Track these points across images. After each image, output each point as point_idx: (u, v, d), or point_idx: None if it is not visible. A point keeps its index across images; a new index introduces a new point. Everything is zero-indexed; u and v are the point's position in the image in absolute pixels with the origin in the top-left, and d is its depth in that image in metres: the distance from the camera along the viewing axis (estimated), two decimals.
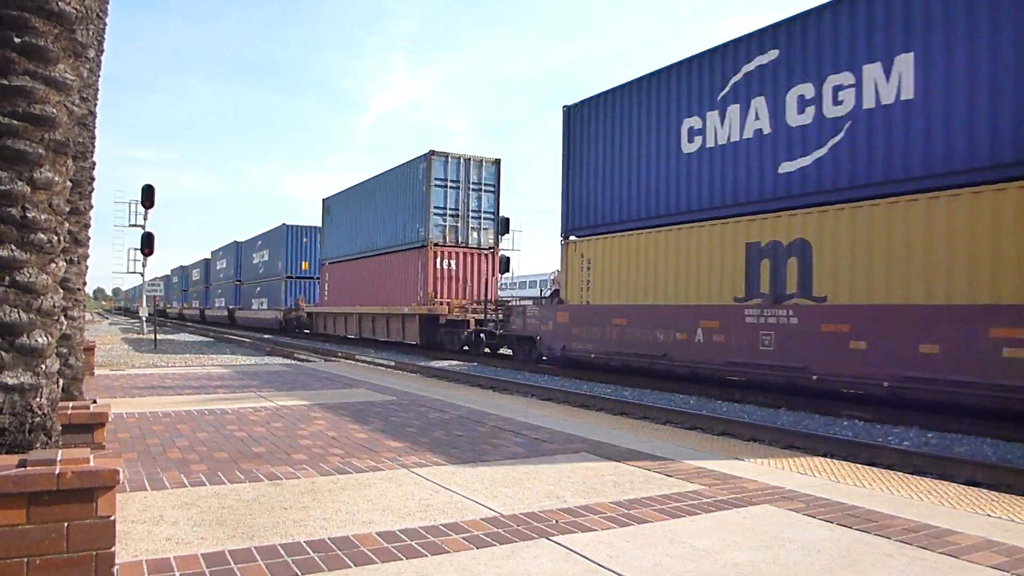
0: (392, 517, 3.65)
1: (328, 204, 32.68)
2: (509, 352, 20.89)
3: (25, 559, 2.36)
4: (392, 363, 18.93)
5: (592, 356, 15.47)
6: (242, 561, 2.98)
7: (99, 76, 5.95)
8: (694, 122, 13.62)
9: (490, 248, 23.88)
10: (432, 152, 22.76)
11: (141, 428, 6.21)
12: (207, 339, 33.77)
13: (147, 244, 23.91)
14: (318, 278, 36.10)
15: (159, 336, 30.19)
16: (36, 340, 2.74)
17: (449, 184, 22.97)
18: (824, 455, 7.89)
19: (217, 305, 51.61)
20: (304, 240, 37.95)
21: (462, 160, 23.22)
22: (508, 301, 23.24)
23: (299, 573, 2.85)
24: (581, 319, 15.91)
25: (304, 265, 37.70)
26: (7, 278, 2.69)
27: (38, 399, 2.75)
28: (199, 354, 22.51)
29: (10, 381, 2.66)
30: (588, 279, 15.99)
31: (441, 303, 22.33)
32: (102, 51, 5.80)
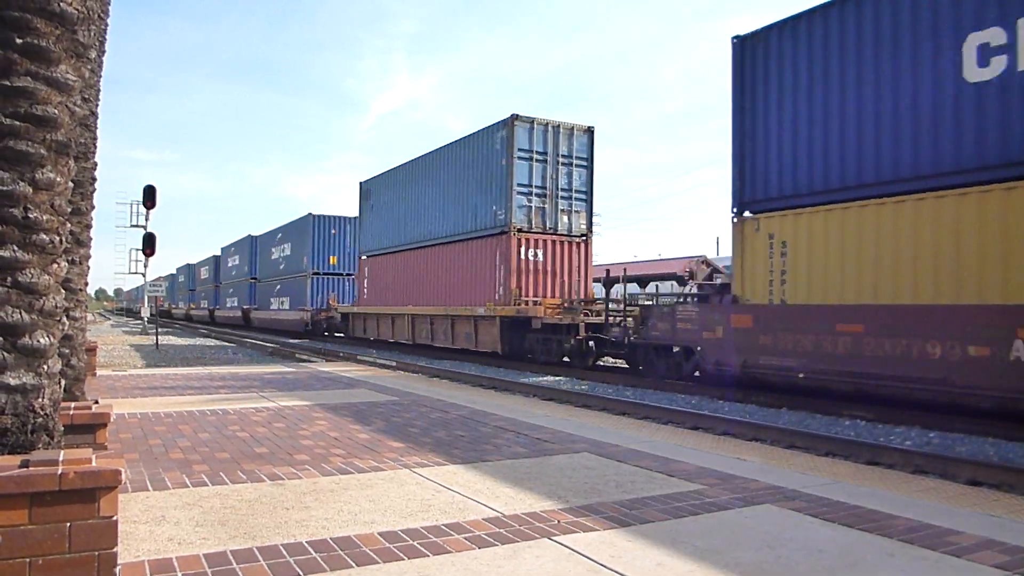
0: (394, 517, 3.65)
1: (368, 188, 28.15)
2: (627, 364, 16.81)
3: (28, 559, 2.36)
4: (394, 363, 18.92)
5: (800, 376, 11.22)
6: (244, 561, 2.98)
7: (100, 77, 5.96)
8: (990, 36, 9.36)
9: (582, 235, 19.52)
10: (515, 117, 18.59)
11: (143, 428, 6.22)
12: (217, 342, 31.38)
13: (148, 244, 23.90)
14: (349, 274, 32.86)
15: (163, 341, 28.37)
16: (38, 341, 2.75)
17: (535, 156, 18.79)
18: (826, 455, 7.90)
19: (229, 305, 47.90)
20: (332, 231, 33.65)
21: (550, 127, 19.05)
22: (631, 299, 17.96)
23: (301, 573, 2.86)
24: (774, 324, 11.59)
25: (332, 260, 33.46)
26: (9, 279, 2.69)
27: (40, 400, 2.75)
28: (203, 359, 22.54)
29: (12, 382, 2.66)
30: (782, 268, 11.67)
31: (527, 302, 18.25)
32: (103, 52, 5.80)
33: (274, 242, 39.19)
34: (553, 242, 19.09)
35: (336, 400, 8.40)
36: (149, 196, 22.71)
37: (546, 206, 19.03)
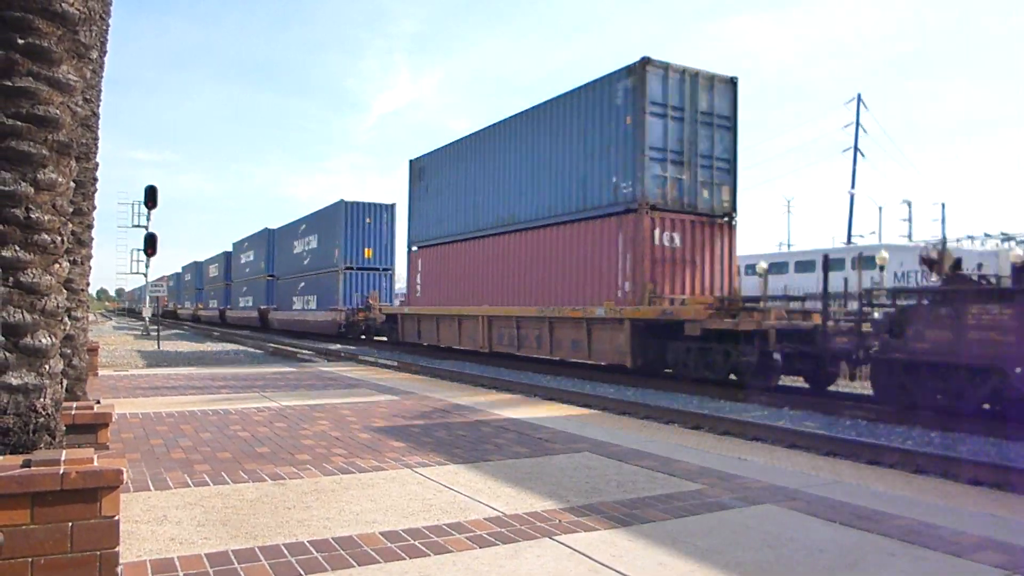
0: (395, 517, 3.66)
1: (422, 165, 23.96)
2: (808, 383, 13.28)
3: (30, 559, 2.37)
4: (395, 363, 18.92)
5: None
6: (246, 561, 2.99)
7: (102, 77, 5.96)
8: None
9: (726, 215, 15.60)
10: (647, 60, 14.76)
11: (145, 428, 6.22)
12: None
13: (150, 245, 23.91)
14: (386, 269, 29.96)
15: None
16: (40, 341, 2.75)
17: (671, 113, 14.95)
18: (827, 454, 7.89)
19: (242, 305, 44.14)
20: (367, 220, 29.56)
21: (687, 75, 15.23)
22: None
23: (303, 573, 2.86)
24: None
25: (367, 252, 29.52)
26: (11, 279, 2.69)
27: (42, 399, 2.75)
28: (204, 359, 22.49)
29: (14, 382, 2.66)
30: None
31: (669, 300, 14.37)
32: (105, 52, 5.81)
33: (296, 235, 35.35)
34: (692, 223, 15.09)
35: (337, 400, 8.41)
36: (150, 196, 22.70)
37: (684, 177, 15.00)
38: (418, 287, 23.94)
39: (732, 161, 15.78)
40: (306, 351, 24.00)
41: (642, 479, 4.57)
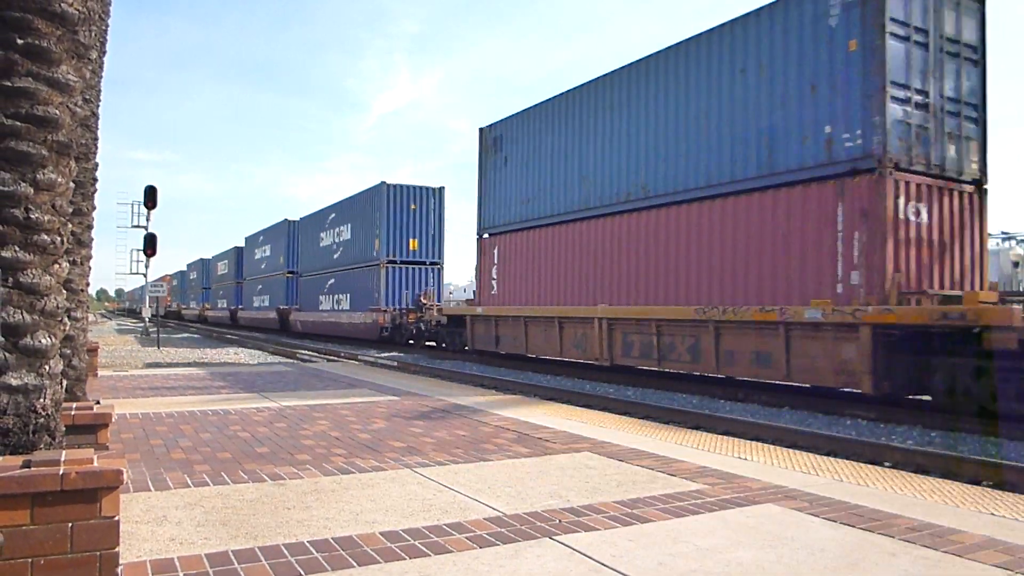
0: (395, 517, 3.65)
1: (497, 134, 19.43)
2: None
3: (30, 559, 2.37)
4: (395, 363, 18.89)
5: None
6: (246, 561, 2.98)
7: (101, 77, 5.96)
8: None
9: (974, 181, 11.43)
10: None
11: (144, 429, 6.22)
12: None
13: (150, 245, 23.92)
14: (434, 263, 26.06)
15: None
16: (40, 341, 2.75)
17: (914, 36, 10.78)
18: (827, 454, 7.88)
19: (257, 305, 40.44)
20: (412, 206, 25.61)
21: None
22: None
23: (302, 573, 2.86)
24: None
25: (413, 244, 25.64)
26: (11, 279, 2.69)
27: (42, 400, 2.75)
28: (204, 360, 22.41)
29: (14, 382, 2.66)
30: None
31: (929, 296, 10.08)
32: (104, 52, 5.81)
33: (323, 225, 31.15)
34: (940, 191, 10.98)
35: (337, 400, 8.41)
36: (150, 196, 22.71)
37: (930, 127, 10.90)
38: (493, 282, 19.34)
39: (981, 108, 11.60)
40: (305, 351, 23.95)
41: (642, 479, 4.57)
